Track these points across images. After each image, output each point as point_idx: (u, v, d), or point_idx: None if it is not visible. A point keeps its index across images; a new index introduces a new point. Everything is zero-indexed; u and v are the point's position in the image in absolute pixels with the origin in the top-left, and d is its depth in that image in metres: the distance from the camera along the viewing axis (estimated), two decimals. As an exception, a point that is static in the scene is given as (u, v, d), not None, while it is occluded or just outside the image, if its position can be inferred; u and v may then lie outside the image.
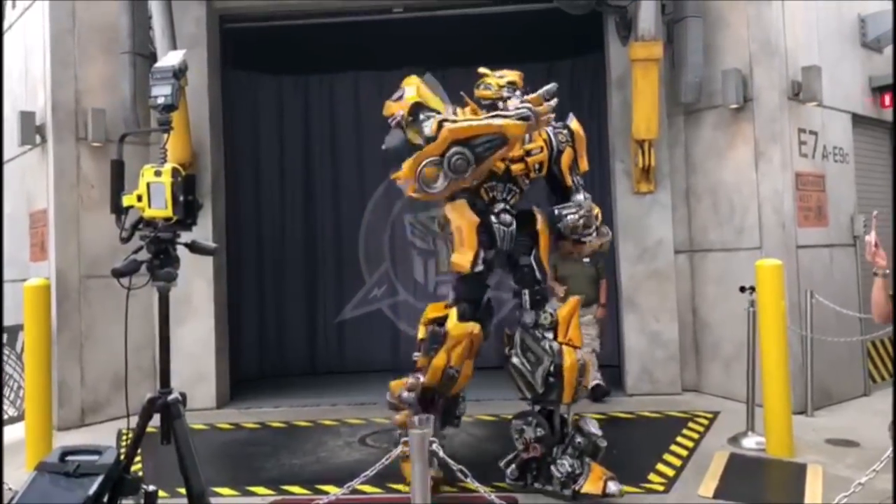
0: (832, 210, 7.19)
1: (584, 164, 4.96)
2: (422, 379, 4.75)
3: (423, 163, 4.23)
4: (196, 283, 7.37)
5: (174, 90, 2.85)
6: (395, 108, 4.53)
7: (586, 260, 6.97)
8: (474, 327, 4.67)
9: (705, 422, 6.37)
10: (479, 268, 4.69)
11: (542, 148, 4.82)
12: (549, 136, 4.87)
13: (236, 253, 8.83)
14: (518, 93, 4.81)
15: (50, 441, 5.51)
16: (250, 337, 9.36)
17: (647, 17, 7.01)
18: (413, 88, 4.54)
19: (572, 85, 9.07)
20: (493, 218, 4.71)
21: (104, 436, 6.36)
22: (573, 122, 4.97)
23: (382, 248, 9.79)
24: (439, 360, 4.67)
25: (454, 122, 4.35)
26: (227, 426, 6.91)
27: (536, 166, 4.83)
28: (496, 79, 4.90)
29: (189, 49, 5.25)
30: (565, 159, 4.87)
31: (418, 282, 9.79)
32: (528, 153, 4.79)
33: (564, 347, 4.59)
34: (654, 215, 7.49)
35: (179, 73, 2.89)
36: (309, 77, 9.73)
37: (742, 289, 5.80)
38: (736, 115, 7.11)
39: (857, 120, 7.69)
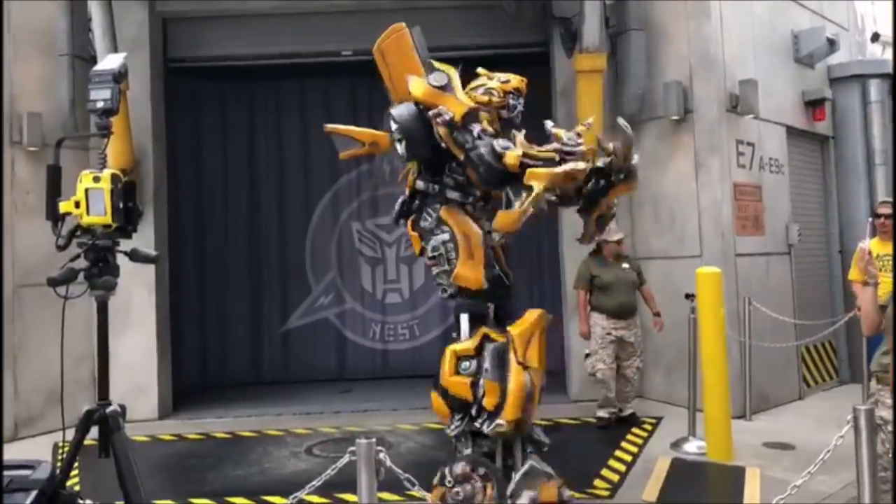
0: (768, 219, 7.44)
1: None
2: (501, 424, 3.93)
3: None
4: (136, 292, 7.19)
5: (114, 94, 2.78)
6: (437, 100, 3.95)
7: (625, 265, 6.62)
8: (538, 311, 4.17)
9: (649, 427, 6.50)
10: (486, 286, 4.22)
11: None
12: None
13: (178, 261, 8.64)
14: (521, 100, 4.33)
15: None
16: (193, 347, 9.15)
17: (592, 29, 7.14)
18: (457, 80, 4.09)
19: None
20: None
21: (39, 450, 6.14)
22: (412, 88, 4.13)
23: (329, 255, 9.71)
24: (517, 378, 3.97)
25: (537, 160, 3.81)
26: (170, 437, 6.74)
27: None
28: (500, 84, 4.29)
29: (130, 52, 5.15)
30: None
31: (366, 290, 9.73)
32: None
33: (514, 367, 3.98)
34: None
35: (120, 77, 2.82)
36: (253, 82, 9.60)
37: (688, 296, 5.94)
38: (677, 126, 7.30)
39: (792, 132, 7.99)
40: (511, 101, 4.27)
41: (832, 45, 8.26)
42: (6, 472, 2.44)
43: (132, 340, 7.18)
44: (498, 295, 4.33)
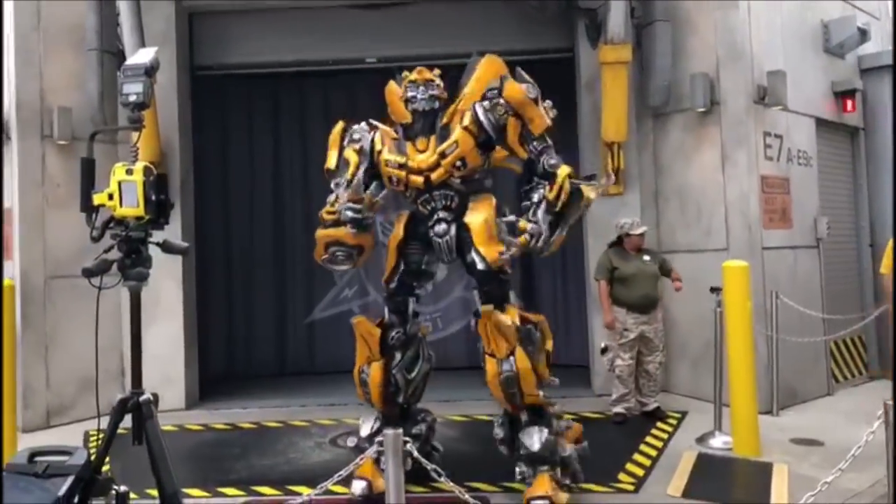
0: (796, 212, 7.35)
1: (538, 125, 4.40)
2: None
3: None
4: (165, 283, 7.28)
5: (146, 88, 2.82)
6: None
7: (647, 258, 6.59)
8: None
9: (674, 422, 6.46)
10: (393, 284, 4.86)
11: (456, 143, 4.44)
12: (475, 118, 4.44)
13: (205, 253, 8.74)
14: (423, 89, 4.61)
15: (15, 443, 5.41)
16: (219, 338, 9.26)
17: (617, 20, 7.09)
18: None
19: (542, 87, 9.11)
20: (431, 231, 4.64)
21: (70, 438, 6.26)
22: (506, 87, 4.43)
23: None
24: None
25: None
26: (197, 427, 6.84)
27: (458, 164, 4.46)
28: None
29: (157, 47, 5.20)
30: (511, 133, 4.43)
31: (389, 282, 9.75)
32: (442, 155, 4.47)
33: (487, 358, 4.38)
34: (623, 217, 7.57)
35: (151, 71, 2.86)
36: (279, 78, 9.66)
37: (713, 289, 5.90)
38: (703, 118, 7.23)
39: (821, 124, 7.87)
40: (409, 94, 4.58)
41: (863, 34, 8.12)
42: (44, 458, 2.50)
43: (160, 331, 7.27)
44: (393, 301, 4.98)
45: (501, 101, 4.39)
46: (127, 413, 2.76)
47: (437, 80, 4.66)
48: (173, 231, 7.21)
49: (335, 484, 3.49)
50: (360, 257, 4.91)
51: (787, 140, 7.31)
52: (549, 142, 4.43)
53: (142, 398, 2.77)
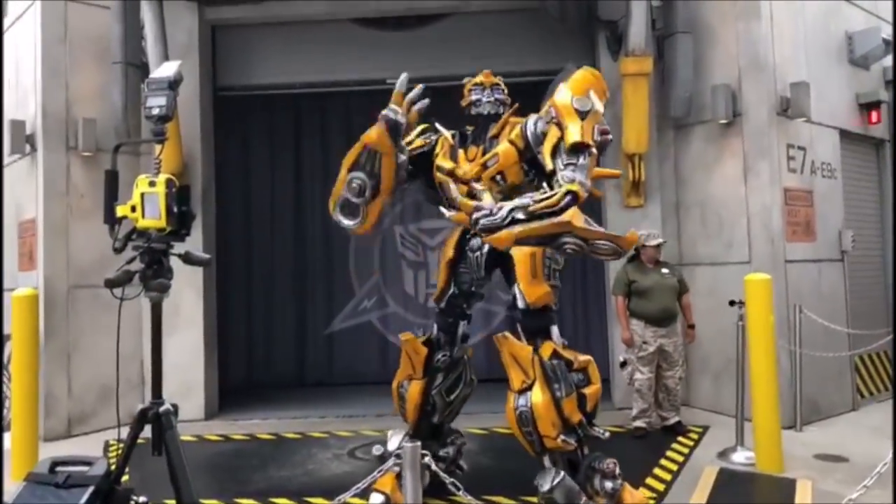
0: (820, 225, 7.26)
1: (569, 136, 3.84)
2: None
3: None
4: (185, 293, 7.33)
5: (169, 101, 2.85)
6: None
7: (665, 271, 6.48)
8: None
9: (695, 436, 6.39)
10: (442, 304, 4.74)
11: (497, 156, 4.30)
12: (523, 131, 4.24)
13: (225, 264, 8.81)
14: (488, 92, 4.61)
15: (36, 452, 5.45)
16: (239, 348, 9.31)
17: (638, 32, 7.07)
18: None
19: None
20: (466, 244, 4.57)
21: (90, 447, 6.32)
22: (558, 91, 4.07)
23: (373, 259, 9.78)
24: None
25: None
26: (216, 438, 6.86)
27: (497, 178, 4.30)
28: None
29: (180, 59, 5.26)
30: (547, 141, 3.99)
31: (408, 294, 9.77)
32: (484, 166, 4.33)
33: (508, 391, 4.19)
34: (644, 228, 7.51)
35: (175, 84, 2.89)
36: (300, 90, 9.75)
37: (732, 303, 5.84)
38: (725, 130, 7.18)
39: (845, 136, 7.78)
40: (474, 97, 4.55)
41: (888, 46, 8.03)
42: (65, 468, 2.51)
43: (180, 341, 7.32)
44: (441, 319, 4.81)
45: (550, 107, 4.04)
46: (147, 423, 2.77)
47: (503, 85, 4.60)
48: (194, 242, 7.27)
49: (353, 496, 3.48)
50: (373, 201, 4.42)
51: (810, 152, 7.23)
52: (582, 161, 3.83)
53: (162, 409, 2.78)
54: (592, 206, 8.50)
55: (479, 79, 4.57)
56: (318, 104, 9.53)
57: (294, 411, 7.82)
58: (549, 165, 3.90)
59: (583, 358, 4.19)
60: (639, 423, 6.48)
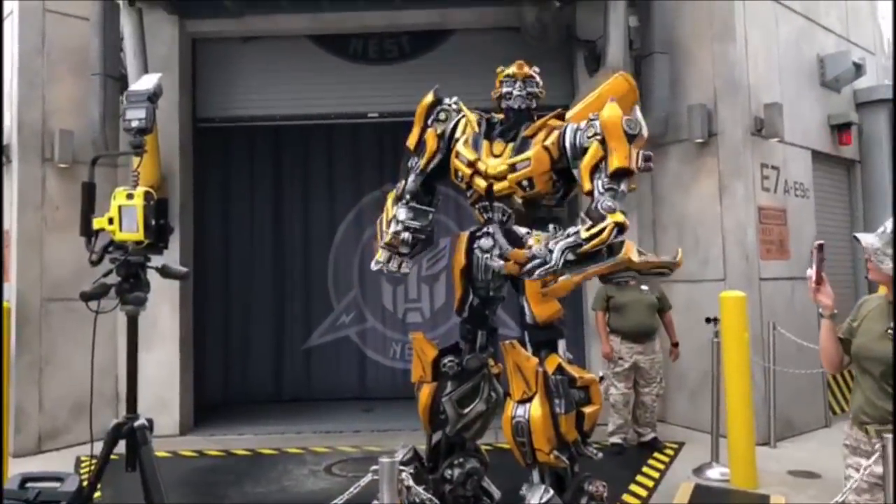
0: (793, 243, 7.37)
1: (614, 160, 3.63)
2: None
3: None
4: (162, 307, 7.26)
5: (149, 113, 2.84)
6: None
7: (644, 287, 6.47)
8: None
9: (671, 452, 6.43)
10: (465, 314, 4.49)
11: (529, 160, 4.07)
12: (561, 138, 4.01)
13: (203, 278, 8.73)
14: (520, 84, 4.35)
15: (5, 468, 5.34)
16: (215, 363, 9.21)
17: (616, 51, 7.16)
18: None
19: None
20: (474, 243, 4.35)
21: (62, 463, 6.22)
22: (608, 108, 3.78)
23: (351, 274, 9.75)
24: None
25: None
26: (191, 454, 6.78)
27: (525, 183, 4.10)
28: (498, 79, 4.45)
29: (160, 71, 5.24)
30: (588, 158, 3.77)
31: (387, 309, 9.75)
32: (513, 168, 4.11)
33: (507, 398, 4.17)
34: (622, 246, 7.60)
35: (154, 97, 2.89)
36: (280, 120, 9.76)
37: (708, 320, 5.90)
38: (701, 149, 7.28)
39: (817, 156, 7.93)
40: (505, 89, 4.34)
41: (858, 69, 8.22)
42: (35, 485, 2.47)
43: (155, 356, 7.25)
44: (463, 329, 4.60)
45: (596, 121, 3.80)
46: (121, 438, 2.73)
47: (538, 78, 4.39)
48: (172, 255, 7.21)
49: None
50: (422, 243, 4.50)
51: (783, 171, 7.36)
52: (622, 188, 3.67)
53: (136, 423, 2.75)
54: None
55: (511, 70, 4.34)
56: (298, 130, 9.56)
57: (270, 427, 7.76)
58: (587, 185, 3.76)
59: (587, 377, 4.13)
60: (615, 440, 6.50)
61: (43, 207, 7.10)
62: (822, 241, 3.03)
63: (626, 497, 5.25)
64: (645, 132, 3.75)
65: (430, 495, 3.18)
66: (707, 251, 7.21)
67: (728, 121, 7.08)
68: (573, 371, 4.08)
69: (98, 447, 2.80)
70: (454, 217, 9.57)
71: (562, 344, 4.22)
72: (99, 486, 2.84)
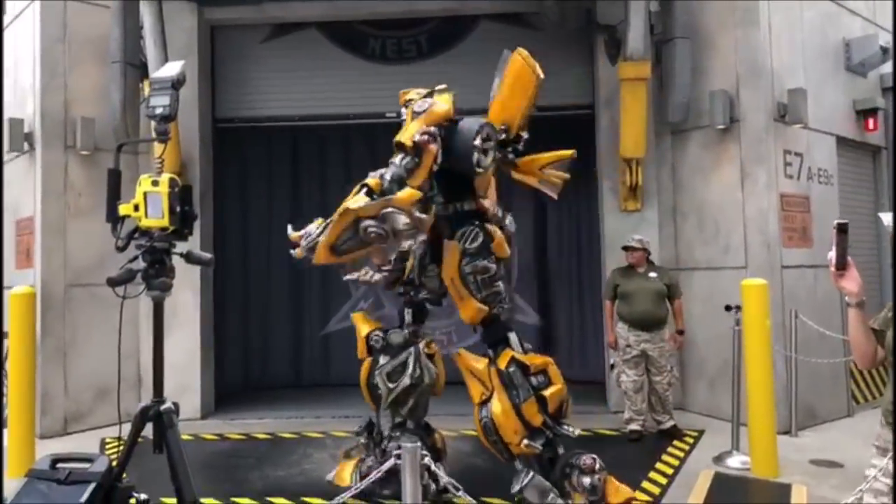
0: (816, 231, 7.29)
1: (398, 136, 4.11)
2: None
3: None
4: (182, 293, 7.31)
5: (172, 100, 2.85)
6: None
7: (652, 275, 6.50)
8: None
9: (690, 440, 6.41)
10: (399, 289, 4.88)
11: None
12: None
13: (222, 265, 8.79)
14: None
15: (33, 449, 5.46)
16: (235, 348, 9.29)
17: (637, 36, 7.10)
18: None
19: (563, 142, 9.09)
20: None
21: (86, 445, 6.33)
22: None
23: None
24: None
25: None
26: (212, 437, 6.86)
27: None
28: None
29: (179, 59, 5.25)
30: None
31: (405, 295, 9.76)
32: None
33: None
34: (641, 233, 7.53)
35: (178, 84, 2.90)
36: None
37: (728, 307, 5.86)
38: (722, 135, 7.21)
39: (842, 142, 7.82)
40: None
41: (885, 53, 8.08)
42: (66, 465, 2.52)
43: (177, 340, 7.30)
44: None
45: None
46: (148, 421, 2.77)
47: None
48: (192, 240, 7.28)
49: (352, 497, 3.49)
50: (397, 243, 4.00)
51: (807, 158, 7.27)
52: (395, 160, 4.06)
53: (163, 407, 2.79)
54: (590, 212, 8.57)
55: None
56: (316, 130, 9.58)
57: (290, 411, 7.83)
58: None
59: (539, 360, 4.27)
60: (633, 427, 6.50)
61: (66, 194, 7.19)
62: (843, 221, 2.60)
63: (645, 484, 5.24)
64: (432, 108, 4.12)
65: (451, 479, 3.21)
66: (728, 239, 7.15)
67: (750, 106, 7.00)
68: (525, 360, 4.23)
69: (124, 430, 2.84)
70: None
71: (512, 336, 4.37)
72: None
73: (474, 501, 3.21)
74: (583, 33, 7.86)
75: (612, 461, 4.84)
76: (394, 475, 3.60)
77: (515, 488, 4.13)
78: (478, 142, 4.07)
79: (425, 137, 3.96)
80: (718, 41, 7.32)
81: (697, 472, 5.50)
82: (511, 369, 4.18)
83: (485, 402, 4.20)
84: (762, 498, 5.14)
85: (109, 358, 6.71)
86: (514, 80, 4.28)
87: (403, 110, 4.33)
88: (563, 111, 7.98)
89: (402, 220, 3.65)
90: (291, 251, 4.42)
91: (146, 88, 6.92)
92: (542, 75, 4.28)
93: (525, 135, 4.47)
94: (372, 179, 3.89)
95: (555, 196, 4.75)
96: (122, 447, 2.80)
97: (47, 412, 6.83)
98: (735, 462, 5.65)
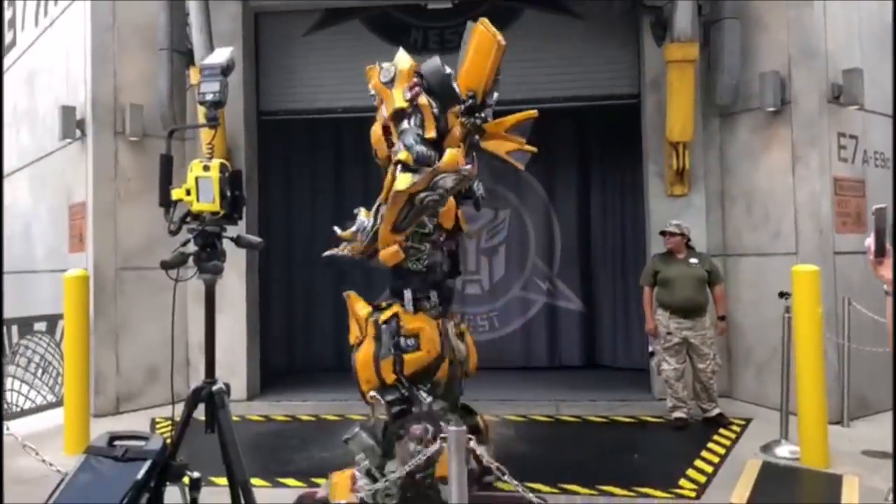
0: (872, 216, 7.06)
1: (387, 109, 4.38)
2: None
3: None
4: (229, 277, 7.40)
5: (222, 87, 2.89)
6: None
7: (693, 261, 6.42)
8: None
9: (737, 428, 6.31)
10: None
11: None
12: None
13: (268, 248, 8.87)
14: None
15: (87, 427, 5.63)
16: (279, 332, 9.44)
17: (684, 17, 6.96)
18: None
19: (608, 132, 9.05)
20: None
21: (138, 424, 6.49)
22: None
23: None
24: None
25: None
26: (258, 418, 6.99)
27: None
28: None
29: (224, 45, 5.31)
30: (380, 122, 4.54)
31: (446, 280, 9.78)
32: None
33: None
34: (688, 218, 7.38)
35: (227, 70, 2.93)
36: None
37: (781, 294, 5.72)
38: (773, 118, 7.02)
39: (900, 125, 7.55)
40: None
41: (945, 31, 7.77)
42: (123, 442, 2.59)
43: (223, 323, 7.36)
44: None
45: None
46: (200, 402, 2.83)
47: None
48: (239, 226, 7.39)
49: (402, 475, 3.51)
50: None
51: (863, 141, 7.05)
52: (402, 126, 4.24)
53: (215, 388, 2.84)
54: (635, 197, 8.46)
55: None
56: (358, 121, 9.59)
57: (333, 394, 7.89)
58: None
59: (413, 325, 4.37)
60: (678, 414, 6.42)
61: (116, 180, 7.34)
62: (881, 206, 2.35)
63: (691, 472, 5.18)
64: (397, 68, 4.27)
65: (496, 462, 3.21)
66: (778, 224, 6.98)
67: (803, 88, 6.80)
68: (404, 320, 4.40)
69: (179, 409, 2.90)
70: (514, 189, 9.53)
71: (407, 294, 4.51)
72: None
73: (520, 485, 3.21)
74: (628, 17, 7.72)
75: (657, 449, 4.81)
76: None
77: (345, 436, 4.45)
78: (447, 69, 4.27)
79: (415, 90, 4.16)
80: (769, 21, 7.11)
81: (744, 460, 5.41)
82: (384, 326, 4.38)
83: (357, 346, 4.45)
84: (812, 488, 5.05)
85: (159, 339, 6.88)
86: (477, 48, 4.45)
87: (372, 91, 4.51)
88: (609, 100, 7.87)
89: (452, 179, 3.92)
90: (325, 253, 4.81)
91: (192, 75, 7.02)
92: (503, 42, 4.41)
93: (491, 101, 4.58)
94: (402, 153, 4.00)
95: (521, 167, 4.79)
96: (174, 426, 2.86)
97: (100, 392, 7.03)
98: (783, 451, 5.55)
